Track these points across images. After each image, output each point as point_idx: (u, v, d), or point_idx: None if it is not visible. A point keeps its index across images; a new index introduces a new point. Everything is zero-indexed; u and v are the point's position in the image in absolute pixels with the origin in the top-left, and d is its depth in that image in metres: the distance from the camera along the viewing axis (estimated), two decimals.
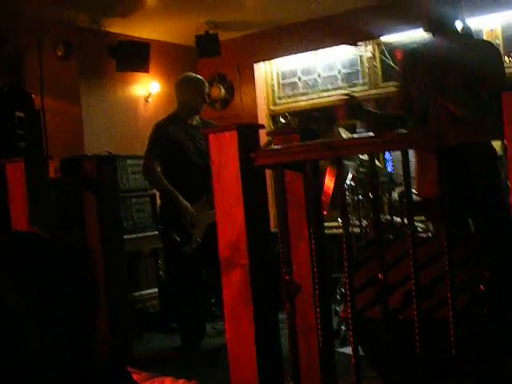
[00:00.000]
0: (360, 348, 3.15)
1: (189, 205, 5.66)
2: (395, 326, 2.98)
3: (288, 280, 3.24)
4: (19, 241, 1.38)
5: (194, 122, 5.93)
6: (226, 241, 3.31)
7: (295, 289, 3.24)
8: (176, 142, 5.77)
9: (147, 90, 8.45)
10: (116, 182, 4.97)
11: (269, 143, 5.01)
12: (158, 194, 6.25)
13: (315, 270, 3.27)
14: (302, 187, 3.36)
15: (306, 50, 8.41)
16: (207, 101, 6.13)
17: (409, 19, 7.50)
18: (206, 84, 6.10)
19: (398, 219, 5.57)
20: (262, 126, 3.67)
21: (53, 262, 1.37)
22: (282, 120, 8.03)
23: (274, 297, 3.48)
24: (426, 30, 4.55)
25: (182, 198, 5.65)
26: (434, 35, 4.51)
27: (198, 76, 6.11)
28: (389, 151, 3.38)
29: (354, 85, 8.52)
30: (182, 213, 5.65)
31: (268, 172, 3.51)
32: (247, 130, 3.37)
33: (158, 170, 5.79)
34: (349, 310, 3.09)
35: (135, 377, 1.99)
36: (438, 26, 4.43)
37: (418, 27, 7.55)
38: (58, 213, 4.60)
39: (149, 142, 5.84)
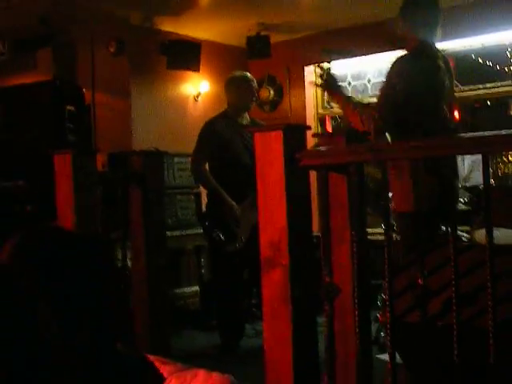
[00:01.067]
0: (398, 354, 3.14)
1: (235, 204, 5.67)
2: (434, 332, 2.96)
3: (328, 282, 3.24)
4: (42, 235, 1.39)
5: (244, 121, 5.94)
6: (267, 240, 3.31)
7: (335, 291, 3.24)
8: (225, 140, 5.79)
9: (197, 89, 8.50)
10: (162, 177, 5.00)
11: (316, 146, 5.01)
12: (205, 191, 6.26)
13: (356, 273, 3.26)
14: (345, 190, 3.35)
15: (357, 55, 8.37)
16: (257, 98, 6.14)
17: (463, 26, 7.49)
18: (255, 81, 6.12)
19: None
20: (309, 127, 3.66)
21: (74, 258, 1.39)
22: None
23: (314, 299, 3.48)
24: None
25: (228, 197, 5.67)
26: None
27: (247, 74, 6.13)
28: (435, 157, 3.34)
29: None
30: (227, 211, 5.67)
31: (312, 174, 3.50)
32: (293, 131, 3.38)
33: (206, 167, 5.81)
34: (387, 314, 3.07)
35: (168, 367, 2.00)
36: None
37: (478, 34, 7.63)
38: (103, 206, 4.65)
39: (198, 139, 5.87)
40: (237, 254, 5.73)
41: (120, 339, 1.53)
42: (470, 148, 2.90)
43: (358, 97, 8.73)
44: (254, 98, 6.08)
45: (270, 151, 3.27)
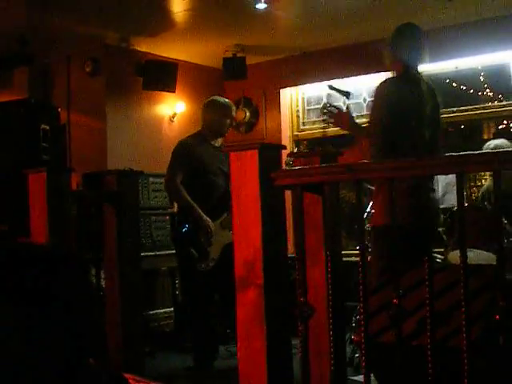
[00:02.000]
0: (373, 375, 3.13)
1: (210, 220, 5.66)
2: (408, 352, 2.96)
3: (302, 302, 3.23)
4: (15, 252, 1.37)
5: (217, 144, 5.94)
6: (241, 259, 3.31)
7: (309, 311, 3.23)
8: (199, 160, 5.79)
9: (173, 109, 8.50)
10: (137, 197, 4.99)
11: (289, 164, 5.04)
12: (175, 209, 6.24)
13: (330, 293, 3.25)
14: (320, 210, 3.36)
15: (333, 78, 8.40)
16: (233, 124, 6.16)
17: (437, 50, 7.54)
18: (234, 108, 6.15)
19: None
20: (284, 147, 3.68)
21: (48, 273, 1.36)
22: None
23: (288, 319, 3.47)
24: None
25: (202, 213, 5.65)
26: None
27: (228, 100, 6.14)
28: (411, 177, 3.35)
29: None
30: (202, 228, 5.66)
31: (288, 193, 3.50)
32: (269, 150, 3.39)
33: (180, 184, 5.79)
34: (362, 334, 3.07)
35: None
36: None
37: (449, 58, 7.70)
38: (78, 225, 4.62)
39: (172, 156, 5.86)
40: (208, 273, 5.71)
41: (93, 356, 1.52)
42: (445, 168, 2.92)
43: (354, 116, 8.78)
44: (231, 125, 6.11)
45: (245, 170, 3.27)
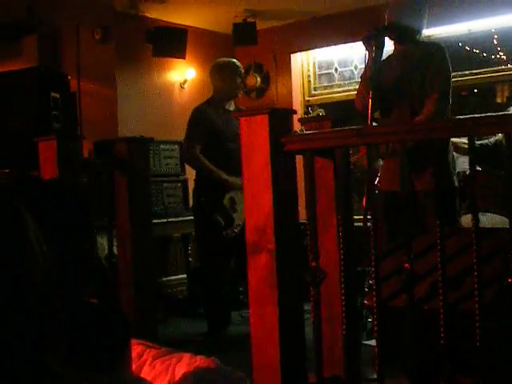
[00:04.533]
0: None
1: (235, 183, 5.55)
2: (420, 315, 2.96)
3: (314, 266, 3.23)
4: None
5: (231, 108, 5.90)
6: (253, 225, 3.30)
7: (321, 275, 3.23)
8: (215, 127, 5.75)
9: (183, 76, 8.46)
10: (148, 164, 4.96)
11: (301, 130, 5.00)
12: (193, 178, 6.20)
13: (342, 257, 3.25)
14: (331, 174, 3.34)
15: (344, 42, 8.34)
16: (245, 84, 6.06)
17: (449, 12, 7.49)
18: (240, 66, 6.06)
19: None
20: (294, 112, 3.64)
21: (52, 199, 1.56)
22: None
23: (300, 284, 3.46)
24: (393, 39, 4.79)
25: (226, 176, 5.62)
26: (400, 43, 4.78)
27: (233, 60, 6.08)
28: (423, 140, 3.32)
29: None
30: (227, 192, 5.63)
31: (299, 159, 3.48)
32: (279, 115, 3.36)
33: (199, 153, 5.75)
34: (374, 299, 3.07)
35: (153, 351, 2.00)
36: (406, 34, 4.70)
37: (462, 20, 7.63)
38: (89, 194, 4.62)
39: (188, 127, 5.82)
40: (229, 240, 5.70)
41: (97, 297, 1.61)
42: (457, 130, 2.89)
43: (345, 84, 8.73)
44: (242, 85, 6.04)
45: (255, 136, 3.25)
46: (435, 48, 4.75)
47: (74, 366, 1.19)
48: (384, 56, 4.71)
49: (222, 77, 5.89)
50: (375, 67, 4.49)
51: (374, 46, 4.44)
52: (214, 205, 5.70)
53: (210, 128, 5.75)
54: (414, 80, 4.65)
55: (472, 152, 2.92)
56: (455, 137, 4.53)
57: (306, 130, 3.51)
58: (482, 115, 2.83)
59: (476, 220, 2.82)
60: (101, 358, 1.51)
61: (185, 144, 5.87)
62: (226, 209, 5.65)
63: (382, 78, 4.63)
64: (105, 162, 4.79)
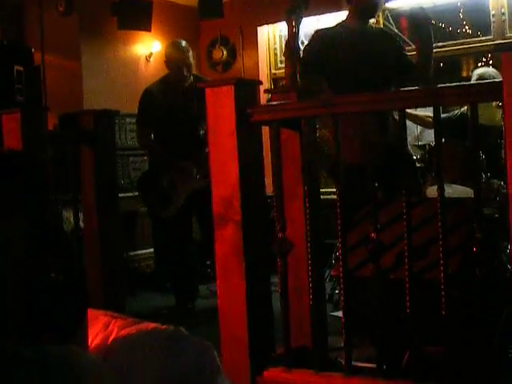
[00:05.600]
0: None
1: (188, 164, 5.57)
2: (386, 285, 2.98)
3: (281, 237, 3.23)
4: None
5: (186, 84, 5.77)
6: (219, 196, 3.29)
7: (287, 246, 3.23)
8: (164, 107, 5.67)
9: (148, 49, 8.38)
10: (113, 137, 4.93)
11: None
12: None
13: (308, 228, 3.26)
14: (297, 146, 3.34)
15: (309, 15, 8.29)
16: (190, 70, 5.86)
17: None
18: (189, 53, 5.86)
19: None
20: (260, 82, 3.63)
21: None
22: None
23: (267, 256, 3.47)
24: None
25: (177, 161, 5.59)
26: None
27: (181, 44, 5.88)
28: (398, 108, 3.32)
29: None
30: (166, 171, 5.60)
31: (265, 130, 3.47)
32: (245, 86, 3.35)
33: (151, 135, 5.72)
34: (340, 269, 3.08)
35: (119, 321, 1.98)
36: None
37: None
38: (54, 167, 4.57)
39: (138, 109, 5.78)
40: (176, 217, 5.65)
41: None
42: (422, 100, 2.90)
43: None
44: (185, 69, 5.80)
45: (221, 106, 3.23)
46: (393, 34, 4.72)
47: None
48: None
49: (169, 59, 5.79)
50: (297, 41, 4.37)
51: (294, 20, 4.31)
52: (151, 185, 5.68)
53: (156, 109, 5.68)
54: (379, 67, 4.58)
55: (437, 123, 2.93)
56: (421, 107, 4.52)
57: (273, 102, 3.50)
58: (447, 85, 2.84)
59: (441, 190, 2.84)
60: (55, 327, 1.51)
61: (136, 127, 5.86)
62: (163, 187, 5.61)
63: (327, 59, 4.54)
64: (70, 135, 4.75)
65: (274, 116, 3.22)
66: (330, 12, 7.95)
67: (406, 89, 3.68)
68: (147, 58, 8.38)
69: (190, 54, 5.86)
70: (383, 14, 8.21)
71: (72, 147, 4.60)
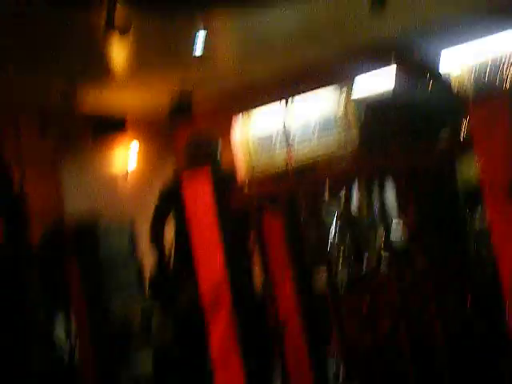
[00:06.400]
0: None
1: None
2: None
3: (273, 319, 3.18)
4: None
5: None
6: (206, 289, 3.22)
7: (281, 328, 3.19)
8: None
9: (125, 163, 8.41)
10: (97, 247, 4.92)
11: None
12: None
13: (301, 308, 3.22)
14: (281, 227, 3.33)
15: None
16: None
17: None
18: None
19: None
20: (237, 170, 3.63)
21: None
22: None
23: (262, 341, 3.42)
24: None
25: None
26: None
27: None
28: None
29: (330, 136, 8.56)
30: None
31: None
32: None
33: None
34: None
35: None
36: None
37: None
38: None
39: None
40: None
41: None
42: None
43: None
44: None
45: (199, 193, 3.23)
46: None
47: None
48: None
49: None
50: None
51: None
52: None
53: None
54: None
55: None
56: None
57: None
58: None
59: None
60: None
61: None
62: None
63: None
64: (51, 251, 4.73)
65: (254, 198, 3.22)
66: None
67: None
68: (124, 174, 8.39)
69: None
70: (352, 96, 8.35)
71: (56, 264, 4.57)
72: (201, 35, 6.33)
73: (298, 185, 3.08)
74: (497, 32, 7.19)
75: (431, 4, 6.39)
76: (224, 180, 3.68)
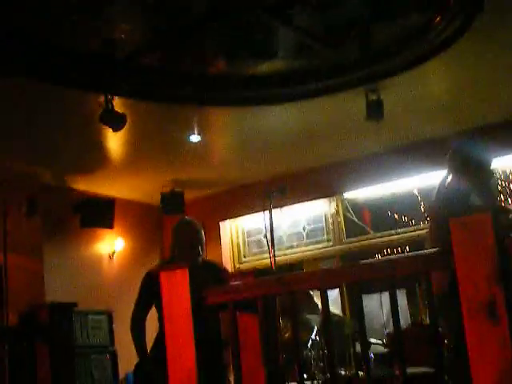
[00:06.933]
0: None
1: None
2: None
3: None
4: None
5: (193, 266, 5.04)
6: (176, 380, 3.17)
7: None
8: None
9: (112, 246, 8.41)
10: (71, 331, 4.84)
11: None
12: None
13: None
14: (256, 327, 3.28)
15: (274, 208, 8.41)
16: (197, 242, 5.31)
17: (371, 175, 7.75)
18: (197, 225, 5.48)
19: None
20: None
21: None
22: None
23: None
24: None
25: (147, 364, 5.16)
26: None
27: (187, 220, 5.53)
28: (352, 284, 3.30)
29: (319, 241, 8.59)
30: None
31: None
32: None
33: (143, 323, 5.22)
34: None
35: None
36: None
37: (380, 183, 7.89)
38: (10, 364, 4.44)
39: (138, 291, 5.27)
40: None
41: None
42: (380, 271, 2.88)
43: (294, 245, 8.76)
44: (194, 242, 5.34)
45: (176, 290, 3.19)
46: None
47: None
48: None
49: (173, 236, 5.35)
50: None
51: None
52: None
53: (154, 295, 5.10)
54: None
55: (393, 304, 2.91)
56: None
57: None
58: (400, 256, 2.84)
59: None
60: None
61: (133, 310, 5.36)
62: None
63: None
64: (24, 330, 4.65)
65: (229, 297, 3.18)
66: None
67: (363, 262, 3.65)
68: (110, 256, 8.38)
69: (196, 227, 5.29)
70: (342, 203, 8.42)
71: (28, 343, 4.49)
72: (195, 132, 6.44)
73: (278, 289, 3.04)
74: None
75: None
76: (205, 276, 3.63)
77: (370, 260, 3.59)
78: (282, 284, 3.00)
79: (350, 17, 5.15)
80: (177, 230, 5.32)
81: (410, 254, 2.79)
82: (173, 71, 5.53)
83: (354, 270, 2.89)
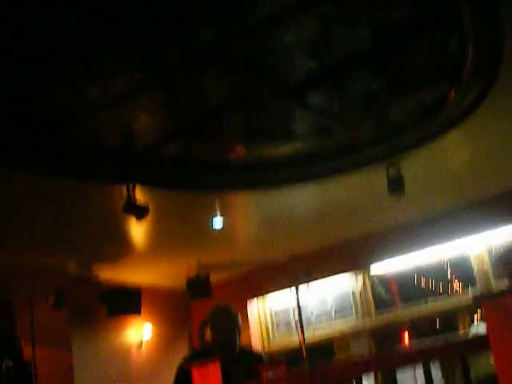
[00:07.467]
0: None
1: None
2: None
3: None
4: None
5: (229, 357, 4.60)
6: None
7: None
8: None
9: (140, 335, 8.36)
10: None
11: None
12: None
13: None
14: None
15: (301, 283, 8.39)
16: (236, 338, 5.12)
17: (396, 247, 7.72)
18: (233, 317, 5.17)
19: None
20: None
21: None
22: None
23: None
24: None
25: None
26: None
27: (224, 308, 5.27)
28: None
29: (347, 317, 8.51)
30: None
31: None
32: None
33: None
34: None
35: None
36: None
37: (405, 253, 7.84)
38: None
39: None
40: None
41: None
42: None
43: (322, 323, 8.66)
44: (231, 333, 5.16)
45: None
46: None
47: None
48: None
49: (211, 325, 5.18)
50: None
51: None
52: None
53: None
54: None
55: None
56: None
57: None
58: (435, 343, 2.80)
59: None
60: None
61: None
62: None
63: None
64: None
65: None
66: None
67: (397, 350, 3.60)
68: (139, 345, 8.32)
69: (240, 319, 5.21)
70: (369, 276, 8.37)
71: None
72: (218, 217, 6.44)
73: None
74: None
75: None
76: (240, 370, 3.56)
77: (404, 348, 3.53)
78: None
79: (366, 94, 5.20)
80: (212, 319, 5.11)
81: (442, 339, 2.74)
82: (193, 159, 5.58)
83: (387, 359, 2.85)
